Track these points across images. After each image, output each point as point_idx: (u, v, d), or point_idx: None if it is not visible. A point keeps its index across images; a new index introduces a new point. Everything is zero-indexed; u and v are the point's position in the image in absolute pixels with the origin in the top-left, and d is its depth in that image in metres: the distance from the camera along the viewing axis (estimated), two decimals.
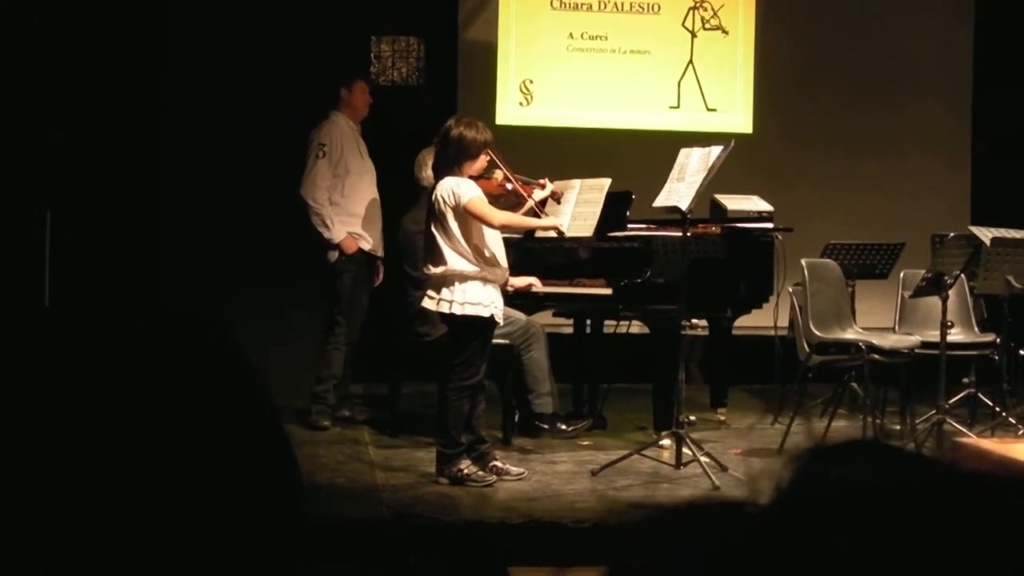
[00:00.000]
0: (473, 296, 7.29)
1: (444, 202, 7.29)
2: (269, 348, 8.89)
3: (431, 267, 7.43)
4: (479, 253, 7.32)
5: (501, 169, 7.76)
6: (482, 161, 7.41)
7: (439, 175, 7.41)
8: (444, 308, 7.34)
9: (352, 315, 9.25)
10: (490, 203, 7.45)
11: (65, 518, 1.04)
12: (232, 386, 1.11)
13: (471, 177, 7.40)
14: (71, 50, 9.93)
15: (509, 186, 7.78)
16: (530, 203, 7.77)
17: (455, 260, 7.30)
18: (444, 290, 7.33)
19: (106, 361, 1.13)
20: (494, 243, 7.41)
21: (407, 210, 8.90)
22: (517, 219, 7.65)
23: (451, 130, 7.45)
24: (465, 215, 7.27)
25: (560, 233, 7.87)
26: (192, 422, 1.08)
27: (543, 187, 7.96)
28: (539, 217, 7.92)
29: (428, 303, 7.46)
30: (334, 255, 9.14)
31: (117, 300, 9.87)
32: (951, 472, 0.96)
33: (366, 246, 9.22)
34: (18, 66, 9.77)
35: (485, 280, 7.32)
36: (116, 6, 10.14)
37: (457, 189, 7.26)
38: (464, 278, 7.30)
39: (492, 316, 7.35)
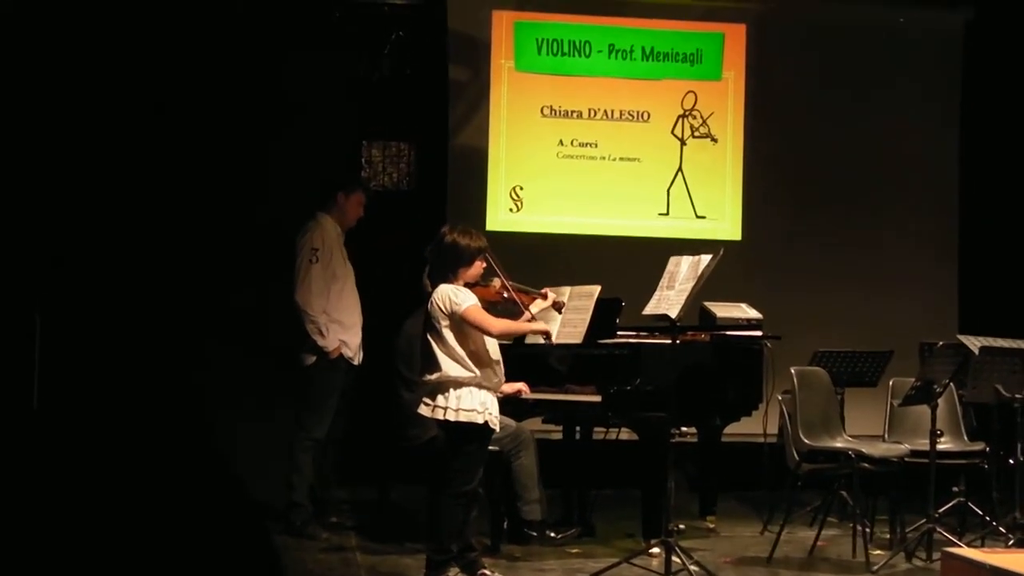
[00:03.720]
0: (467, 403, 7.24)
1: (440, 309, 7.27)
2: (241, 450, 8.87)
3: (426, 374, 7.41)
4: (474, 359, 7.28)
5: (499, 277, 7.75)
6: (478, 268, 7.39)
7: (435, 282, 7.39)
8: (439, 415, 7.28)
9: (323, 418, 9.10)
10: (487, 310, 7.43)
11: None
12: (220, 498, 1.13)
13: (468, 284, 7.41)
14: (64, 154, 10.02)
15: (506, 294, 7.76)
16: (527, 315, 7.76)
17: (450, 366, 7.27)
18: (439, 396, 7.29)
19: (94, 467, 1.14)
20: (490, 349, 7.40)
21: (400, 312, 8.87)
22: (515, 326, 7.61)
23: (445, 237, 7.45)
24: (461, 323, 7.30)
25: (548, 337, 7.86)
26: (181, 532, 1.10)
27: (544, 297, 7.96)
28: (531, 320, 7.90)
29: (424, 410, 7.41)
30: (311, 359, 9.07)
31: (105, 403, 9.94)
32: None
33: (348, 353, 9.15)
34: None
35: (480, 386, 7.28)
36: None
37: (455, 297, 7.25)
38: (459, 384, 7.25)
39: (487, 423, 7.30)
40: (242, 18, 10.56)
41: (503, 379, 7.52)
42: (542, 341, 8.11)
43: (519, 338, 8.33)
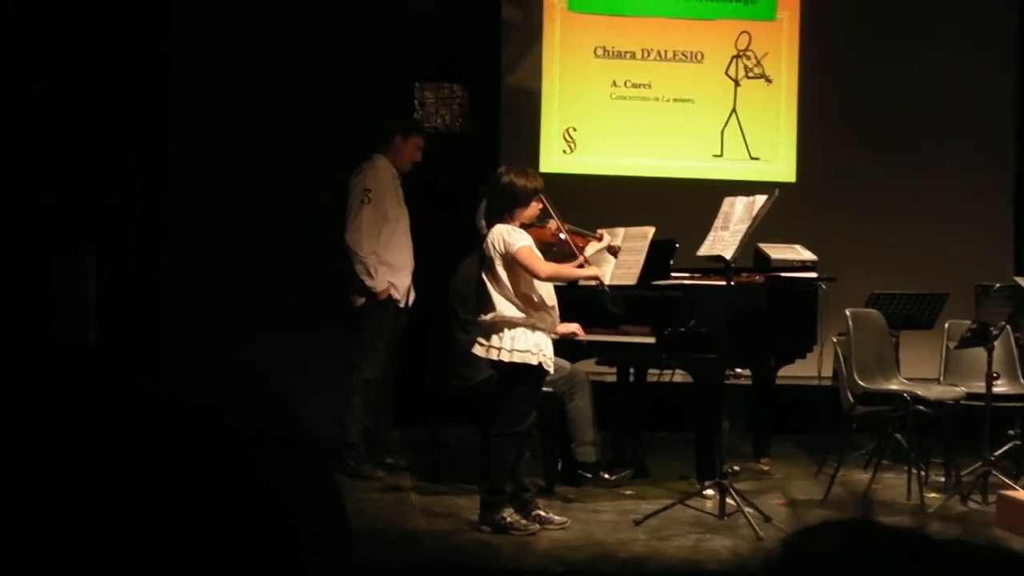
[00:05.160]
0: (521, 343, 7.31)
1: (494, 249, 7.33)
2: (297, 392, 8.91)
3: (481, 314, 7.47)
4: (528, 300, 7.33)
5: (554, 219, 7.76)
6: (534, 208, 7.43)
7: (490, 223, 7.43)
8: (493, 355, 7.36)
9: (373, 360, 9.17)
10: (542, 252, 7.48)
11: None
12: (286, 441, 1.14)
13: (524, 225, 7.43)
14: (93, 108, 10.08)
15: (562, 236, 7.76)
16: (581, 258, 7.77)
17: (504, 307, 7.32)
18: (494, 337, 7.35)
19: (151, 402, 1.16)
20: (544, 290, 7.42)
21: (455, 255, 8.92)
22: (564, 271, 7.64)
23: (501, 177, 7.48)
24: (513, 263, 7.33)
25: (600, 283, 7.86)
26: (250, 474, 1.10)
27: (599, 239, 7.97)
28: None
29: (478, 350, 7.47)
30: (360, 300, 9.13)
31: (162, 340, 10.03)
32: (925, 544, 0.98)
33: (396, 295, 9.19)
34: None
35: (534, 327, 7.33)
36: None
37: (508, 237, 7.29)
38: (513, 325, 7.32)
39: (540, 364, 7.35)
40: None
41: (557, 320, 7.56)
42: (594, 283, 8.16)
43: (573, 280, 8.36)
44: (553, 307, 7.49)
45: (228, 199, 10.45)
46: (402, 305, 9.28)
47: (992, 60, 12.31)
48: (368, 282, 9.07)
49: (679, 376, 8.95)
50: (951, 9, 12.28)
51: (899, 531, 0.97)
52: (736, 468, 8.72)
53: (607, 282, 8.27)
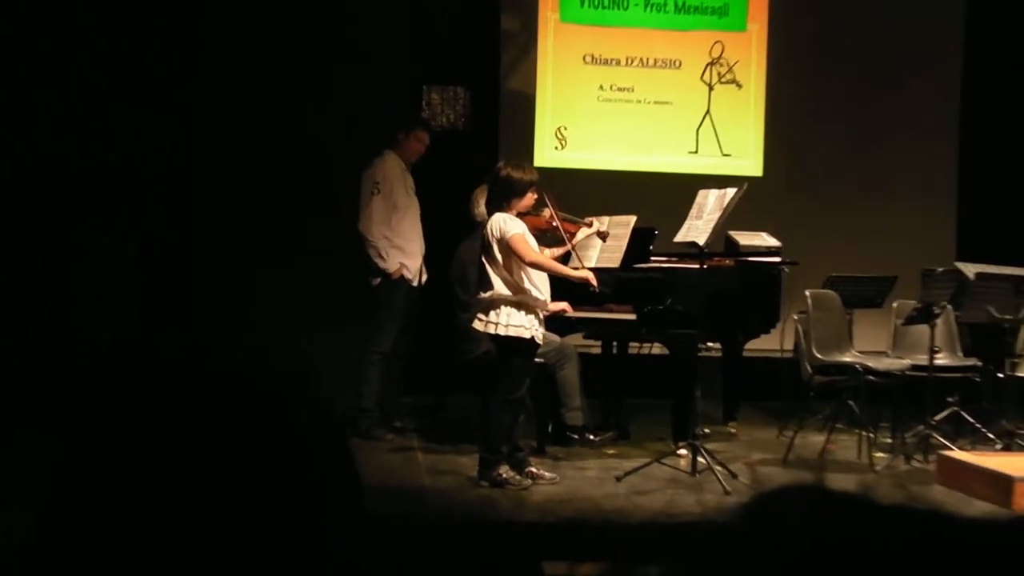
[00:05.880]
0: (516, 319, 7.34)
1: (492, 235, 7.36)
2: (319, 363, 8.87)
3: (480, 292, 7.48)
4: (523, 281, 7.37)
5: (548, 207, 7.77)
6: (529, 199, 7.44)
7: (491, 211, 7.46)
8: (491, 329, 7.39)
9: (388, 334, 9.15)
10: (537, 237, 7.48)
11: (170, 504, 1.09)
12: (305, 409, 1.15)
13: (520, 214, 7.42)
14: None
15: (555, 223, 7.77)
16: (569, 247, 7.78)
17: (501, 286, 7.34)
18: (491, 313, 7.38)
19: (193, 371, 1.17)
20: (537, 274, 7.43)
21: (458, 241, 8.92)
22: (548, 264, 7.58)
23: (500, 171, 7.52)
24: (507, 248, 7.31)
25: (591, 285, 7.80)
26: (279, 437, 1.12)
27: (589, 225, 7.97)
28: (578, 262, 7.89)
29: (477, 324, 7.50)
30: (376, 280, 9.12)
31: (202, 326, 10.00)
32: (870, 508, 0.98)
33: (408, 275, 9.16)
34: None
35: (528, 305, 7.36)
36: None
37: (504, 225, 7.32)
38: (509, 303, 7.34)
39: (533, 338, 7.39)
40: None
41: (549, 299, 7.56)
42: (593, 264, 8.14)
43: (564, 260, 8.31)
44: (545, 286, 7.50)
45: (256, 191, 10.41)
46: (415, 284, 9.26)
47: (940, 75, 12.27)
48: (380, 264, 9.06)
49: (657, 349, 9.00)
50: (902, 27, 12.21)
51: (847, 495, 0.99)
52: (707, 431, 8.75)
53: (593, 265, 8.27)
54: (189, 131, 10.39)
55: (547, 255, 7.66)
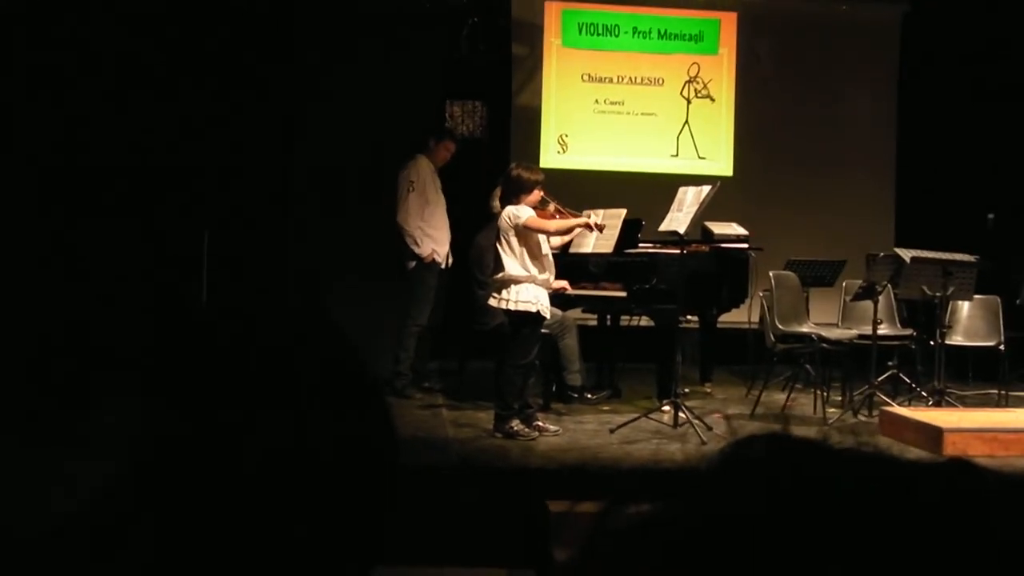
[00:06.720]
0: (524, 296, 7.32)
1: (507, 223, 7.36)
2: (361, 334, 8.84)
3: (495, 273, 7.51)
4: (531, 264, 7.34)
5: (552, 202, 7.79)
6: (536, 195, 7.40)
7: (504, 205, 7.46)
8: (504, 305, 7.37)
9: (424, 309, 9.16)
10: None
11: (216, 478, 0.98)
12: (348, 372, 1.09)
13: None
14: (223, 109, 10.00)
15: (559, 215, 7.80)
16: (583, 219, 7.79)
17: (512, 268, 7.33)
18: (503, 291, 7.36)
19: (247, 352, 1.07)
20: (544, 257, 7.45)
21: (477, 230, 8.94)
22: (566, 223, 7.62)
23: (511, 171, 7.52)
24: (524, 232, 7.33)
25: (590, 227, 7.76)
26: (324, 396, 1.06)
27: (587, 218, 7.97)
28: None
29: (492, 301, 7.47)
30: (412, 264, 9.12)
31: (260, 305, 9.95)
32: (826, 451, 0.97)
33: (438, 259, 9.19)
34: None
35: (534, 283, 7.34)
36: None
37: (517, 212, 7.31)
38: (519, 282, 7.33)
39: (539, 311, 7.36)
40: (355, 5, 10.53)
41: (553, 278, 7.59)
42: (590, 249, 8.18)
43: (566, 246, 8.37)
44: (550, 268, 7.54)
45: (314, 188, 10.39)
46: (443, 267, 9.30)
47: (879, 90, 12.28)
48: (416, 249, 9.09)
49: (644, 321, 8.93)
50: (843, 47, 12.25)
51: (806, 441, 0.98)
52: (687, 390, 8.70)
53: (589, 250, 8.33)
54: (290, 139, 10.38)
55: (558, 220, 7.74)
